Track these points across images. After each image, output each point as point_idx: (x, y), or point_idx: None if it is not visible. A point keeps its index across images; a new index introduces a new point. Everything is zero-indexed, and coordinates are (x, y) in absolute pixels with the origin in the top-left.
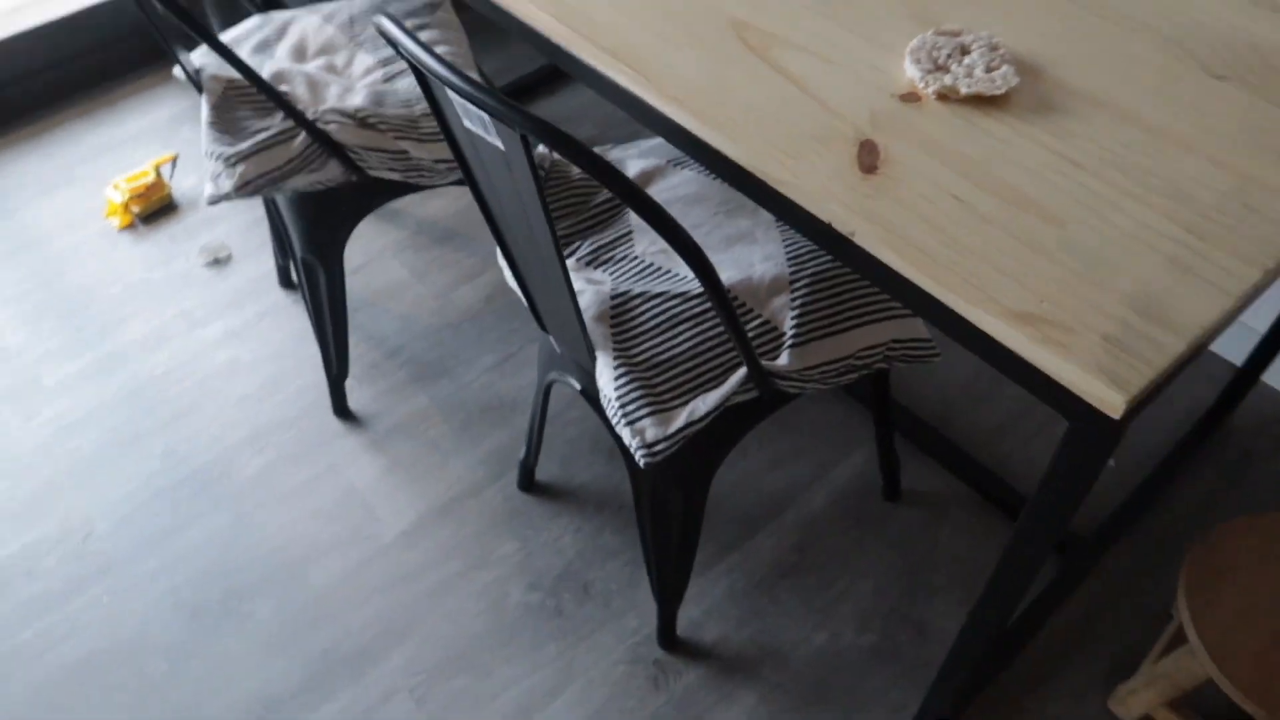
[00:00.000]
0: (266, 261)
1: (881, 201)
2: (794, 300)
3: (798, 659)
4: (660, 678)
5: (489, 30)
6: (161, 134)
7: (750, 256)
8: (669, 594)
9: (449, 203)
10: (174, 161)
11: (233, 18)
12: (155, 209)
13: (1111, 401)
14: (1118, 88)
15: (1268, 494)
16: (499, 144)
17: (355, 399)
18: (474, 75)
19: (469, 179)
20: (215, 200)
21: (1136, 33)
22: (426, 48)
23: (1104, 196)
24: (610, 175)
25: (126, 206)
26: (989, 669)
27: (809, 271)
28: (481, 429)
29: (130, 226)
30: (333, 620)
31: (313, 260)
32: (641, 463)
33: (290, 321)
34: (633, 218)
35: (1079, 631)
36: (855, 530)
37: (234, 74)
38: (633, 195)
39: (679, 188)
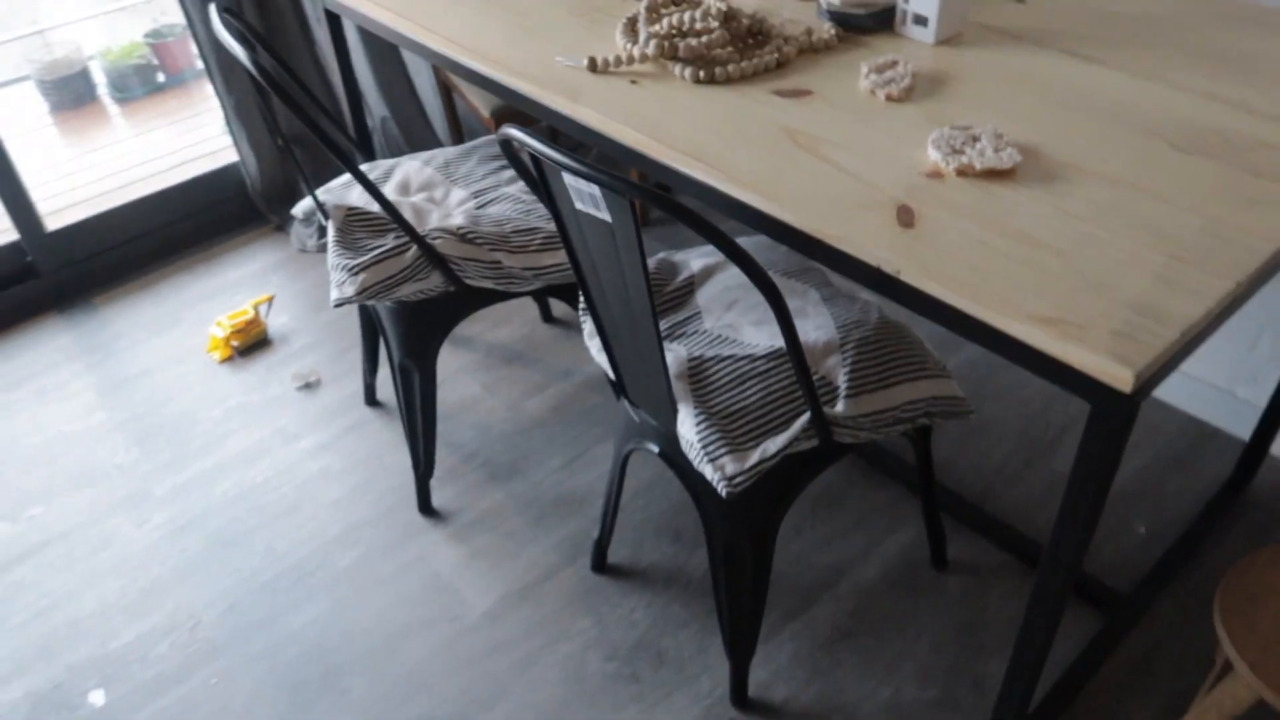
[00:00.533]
0: (352, 384)
1: (919, 247)
2: (844, 360)
3: (864, 714)
4: None
5: None
6: (255, 282)
7: (804, 327)
8: (742, 646)
9: (515, 329)
10: (270, 302)
11: (324, 175)
12: (253, 343)
13: (1123, 377)
14: (1103, 161)
15: None
16: (607, 217)
17: (437, 498)
18: None
19: (573, 261)
20: (340, 303)
21: (1112, 123)
22: (546, 142)
23: (1099, 236)
24: (710, 230)
25: (228, 341)
26: (1046, 716)
27: (855, 337)
28: (554, 521)
29: (230, 359)
30: (426, 691)
31: (410, 364)
32: (723, 493)
33: (375, 434)
34: (700, 299)
35: (1130, 680)
36: (908, 597)
37: (351, 203)
38: (728, 243)
39: (738, 276)
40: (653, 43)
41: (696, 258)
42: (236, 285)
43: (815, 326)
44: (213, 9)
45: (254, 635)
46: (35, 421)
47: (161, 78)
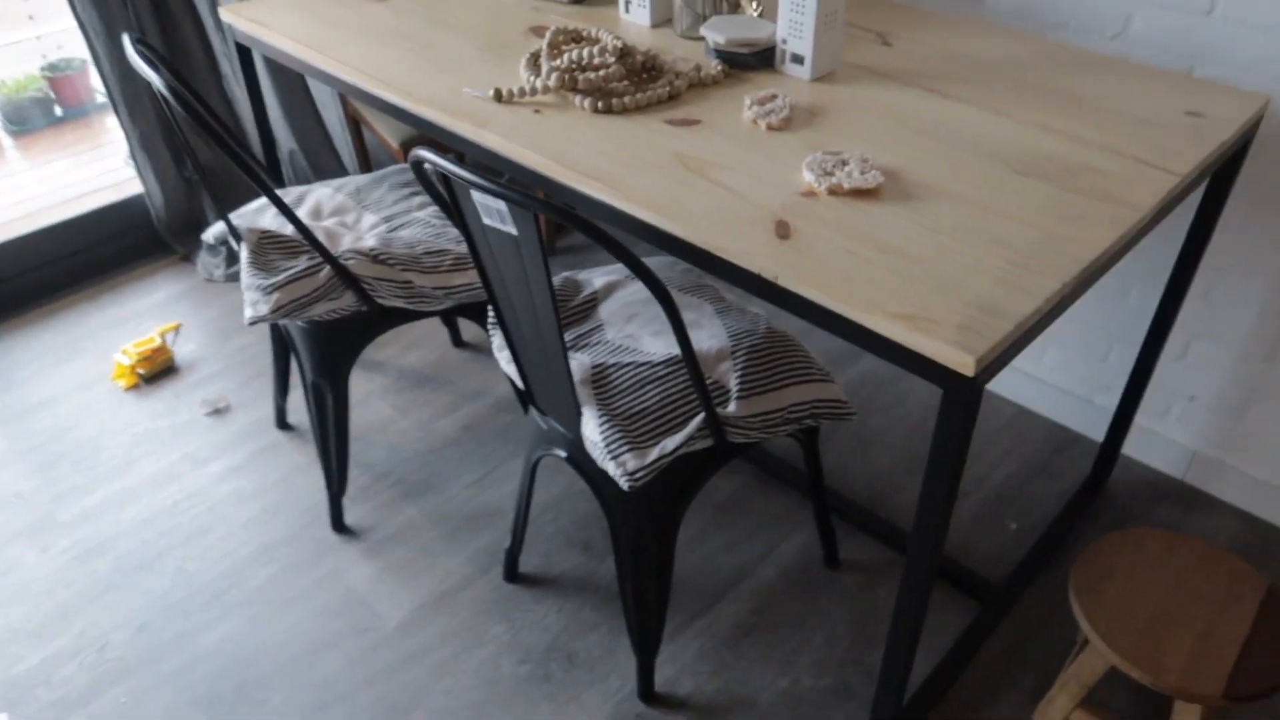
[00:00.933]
0: (262, 409)
1: (795, 256)
2: (736, 365)
3: (764, 703)
4: None
5: None
6: (161, 311)
7: (699, 336)
8: (648, 641)
9: (426, 353)
10: (177, 330)
11: (232, 199)
12: (159, 370)
13: (965, 363)
14: (952, 183)
15: None
16: (514, 230)
17: (350, 515)
18: None
19: (483, 277)
20: (254, 321)
21: (963, 150)
22: (457, 163)
23: (949, 246)
24: (609, 241)
25: (133, 369)
26: (928, 698)
27: (746, 345)
28: (466, 534)
29: (136, 386)
30: (343, 701)
31: (323, 383)
32: (625, 487)
33: (287, 457)
34: (603, 313)
35: (1003, 663)
36: (804, 594)
37: (264, 227)
38: (623, 251)
39: (638, 292)
40: (554, 75)
41: (599, 276)
42: (142, 315)
43: (709, 336)
44: (126, 39)
45: (166, 654)
46: None
47: (59, 111)
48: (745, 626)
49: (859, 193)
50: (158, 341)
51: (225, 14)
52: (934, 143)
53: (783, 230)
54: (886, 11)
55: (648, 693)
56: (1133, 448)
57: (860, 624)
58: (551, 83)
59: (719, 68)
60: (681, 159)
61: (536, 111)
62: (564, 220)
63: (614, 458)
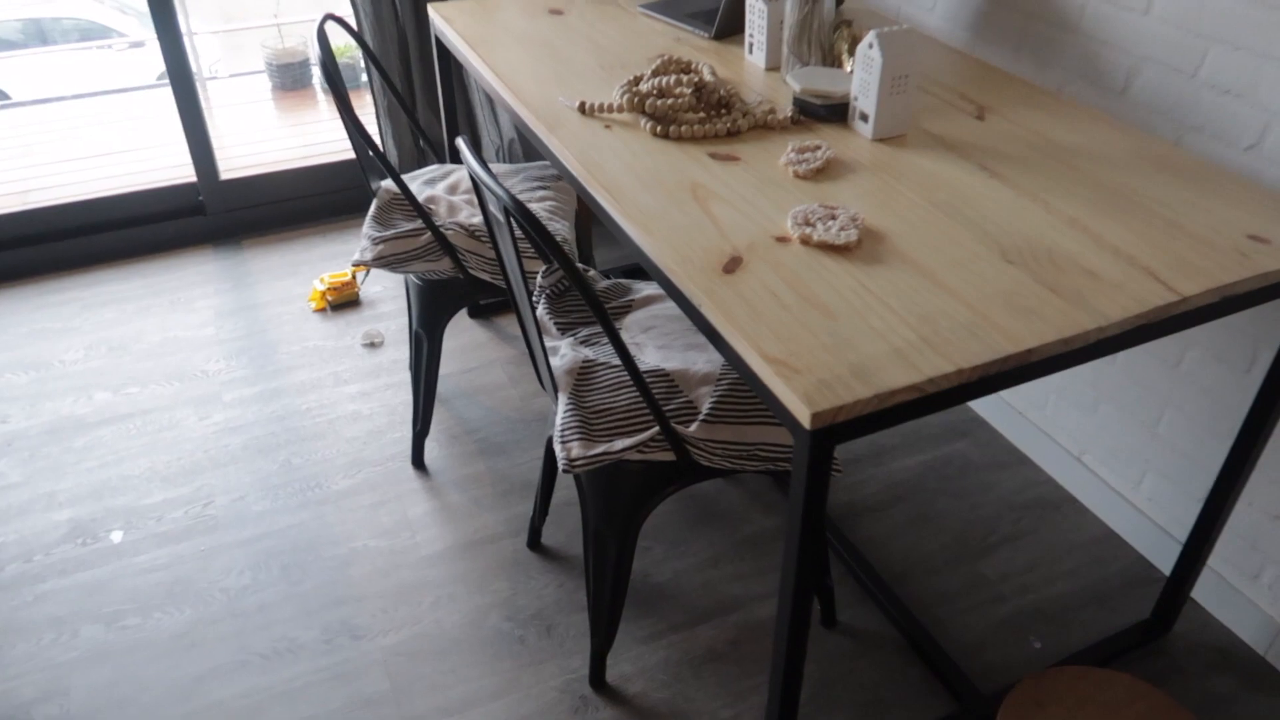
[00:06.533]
0: (406, 351)
1: (725, 290)
2: (714, 391)
3: None
4: (581, 709)
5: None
6: None
7: (696, 358)
8: (600, 631)
9: None
10: (368, 271)
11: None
12: (345, 300)
13: (804, 414)
14: (930, 256)
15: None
16: (504, 220)
17: (430, 456)
18: (567, 223)
19: (499, 263)
20: (358, 263)
21: (966, 227)
22: (484, 165)
23: (874, 309)
24: (563, 260)
25: (325, 295)
26: None
27: (732, 376)
28: (515, 498)
29: (323, 310)
30: (354, 601)
31: (422, 334)
32: (562, 469)
33: (407, 395)
34: (629, 320)
35: None
36: None
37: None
38: (578, 278)
39: (669, 308)
40: (625, 96)
41: (647, 287)
42: (351, 253)
43: (705, 360)
44: (322, 17)
45: (247, 523)
46: (160, 324)
47: (364, 78)
48: (716, 653)
49: (828, 247)
50: (349, 277)
51: (431, 9)
52: (942, 216)
53: (732, 265)
54: (1008, 89)
55: (597, 680)
56: (1212, 603)
57: (824, 685)
58: (623, 102)
59: (791, 114)
60: (694, 187)
61: (606, 127)
62: (522, 226)
63: (562, 442)
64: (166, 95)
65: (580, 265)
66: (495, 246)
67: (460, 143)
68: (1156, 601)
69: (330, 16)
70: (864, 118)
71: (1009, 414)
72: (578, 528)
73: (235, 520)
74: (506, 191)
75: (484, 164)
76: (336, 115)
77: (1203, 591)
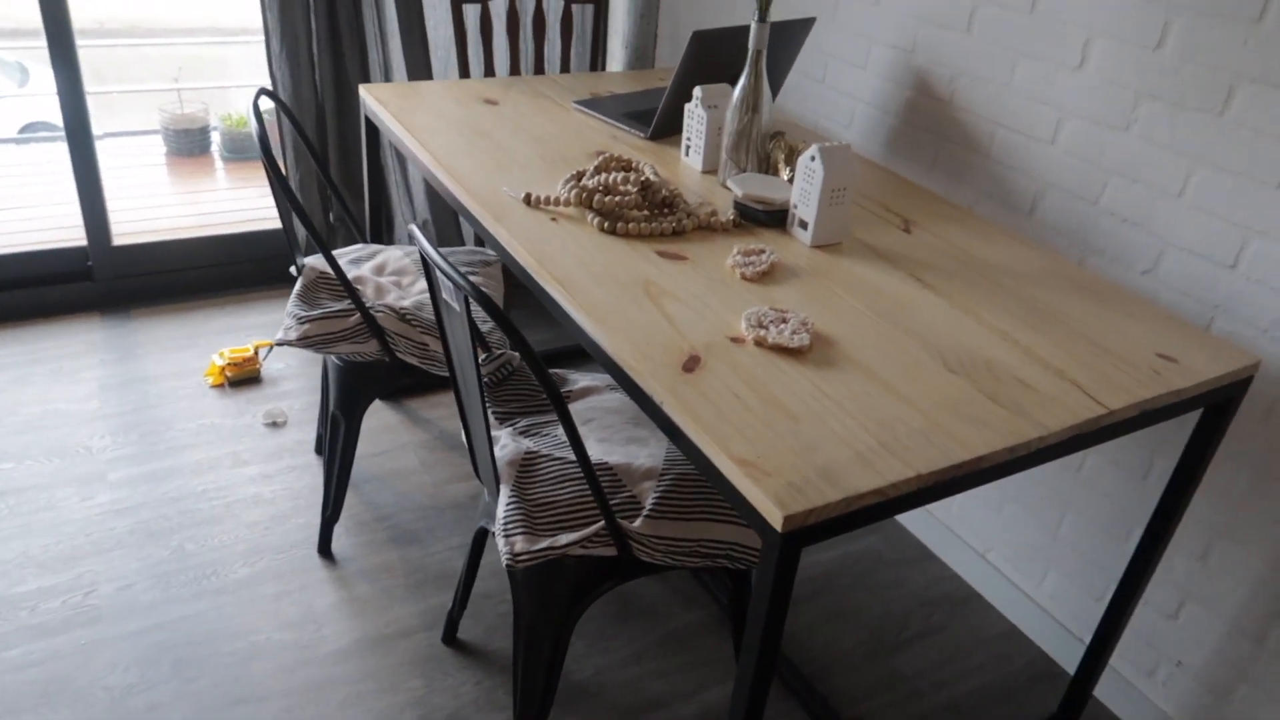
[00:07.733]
0: (312, 431)
1: (687, 389)
2: (658, 487)
3: None
4: None
5: (538, 310)
6: (270, 329)
7: (639, 452)
8: None
9: None
10: (271, 347)
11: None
12: (245, 377)
13: (775, 516)
14: (880, 363)
15: None
16: (458, 308)
17: (339, 544)
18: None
19: (444, 349)
20: (280, 343)
21: (907, 335)
22: (436, 250)
23: (833, 413)
24: (521, 343)
25: (223, 370)
26: None
27: (676, 471)
28: (430, 590)
29: (220, 386)
30: (255, 701)
31: (339, 416)
32: (505, 563)
33: (312, 478)
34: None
35: None
36: None
37: (327, 269)
38: (540, 369)
39: (608, 400)
40: (573, 191)
41: (586, 378)
42: (252, 328)
43: (648, 455)
44: (257, 93)
45: (134, 615)
46: (40, 394)
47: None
48: None
49: (781, 349)
50: (250, 352)
51: (362, 90)
52: (886, 324)
53: (691, 364)
54: (927, 205)
55: None
56: (1112, 700)
57: None
58: (570, 197)
59: (732, 217)
60: (647, 284)
61: (553, 219)
62: (484, 308)
63: (505, 536)
64: (35, 151)
65: (507, 353)
66: (442, 333)
67: (413, 228)
68: (1062, 699)
69: (264, 91)
70: (803, 225)
71: (916, 511)
72: (496, 621)
73: (121, 611)
74: (467, 280)
75: (438, 249)
76: (235, 186)
77: (1103, 688)
